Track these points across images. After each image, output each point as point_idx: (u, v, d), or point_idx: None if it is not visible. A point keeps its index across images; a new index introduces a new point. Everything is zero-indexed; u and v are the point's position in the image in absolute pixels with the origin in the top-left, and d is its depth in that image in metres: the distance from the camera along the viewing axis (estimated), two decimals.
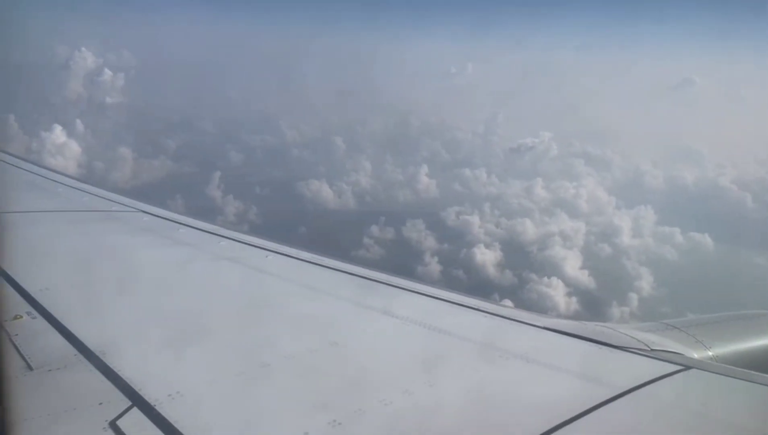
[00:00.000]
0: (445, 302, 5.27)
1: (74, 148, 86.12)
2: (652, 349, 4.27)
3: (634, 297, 62.24)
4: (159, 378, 3.68)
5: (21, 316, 4.48)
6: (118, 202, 8.23)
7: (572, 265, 67.24)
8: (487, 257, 67.27)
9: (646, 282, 65.37)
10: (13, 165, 10.36)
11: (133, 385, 3.52)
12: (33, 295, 4.88)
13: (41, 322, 4.42)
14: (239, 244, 6.72)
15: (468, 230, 74.44)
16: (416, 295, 5.44)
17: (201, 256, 6.52)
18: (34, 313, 4.55)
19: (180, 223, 7.43)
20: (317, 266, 6.08)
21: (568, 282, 63.47)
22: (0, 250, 5.91)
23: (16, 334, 4.18)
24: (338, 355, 4.16)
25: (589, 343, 4.38)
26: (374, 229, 72.86)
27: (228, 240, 6.86)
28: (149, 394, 3.41)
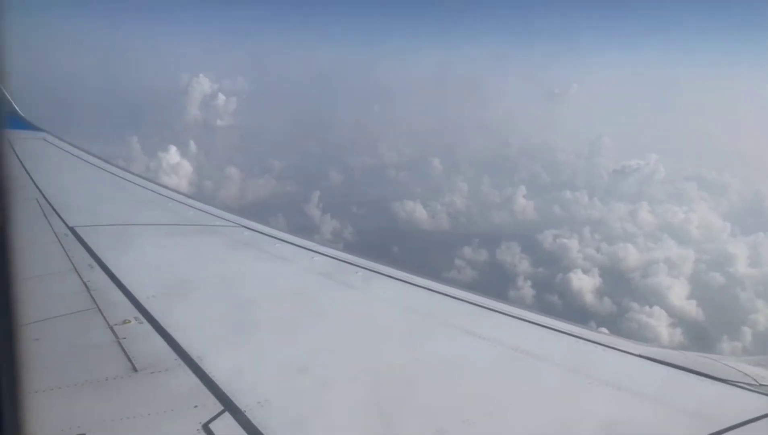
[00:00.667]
0: (537, 326, 5.12)
1: (187, 167, 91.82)
2: (760, 384, 3.92)
3: (747, 331, 57.30)
4: (250, 385, 3.81)
5: (130, 321, 4.79)
6: (222, 218, 8.67)
7: (678, 294, 62.99)
8: (584, 283, 64.48)
9: (762, 315, 60.07)
10: (131, 182, 11.19)
11: (225, 391, 3.66)
12: (141, 301, 5.22)
13: (147, 327, 4.71)
14: (331, 260, 6.87)
15: (565, 254, 71.77)
16: (507, 317, 5.31)
17: (294, 269, 6.73)
18: (141, 318, 4.87)
19: (277, 239, 7.70)
20: (406, 284, 6.11)
21: (672, 312, 59.47)
22: (114, 259, 6.42)
23: (124, 338, 4.48)
24: (426, 371, 4.13)
25: (688, 373, 4.09)
26: (467, 251, 72.01)
27: (321, 256, 7.02)
28: (240, 400, 3.54)
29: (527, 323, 5.15)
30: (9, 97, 15.82)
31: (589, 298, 62.72)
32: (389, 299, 5.85)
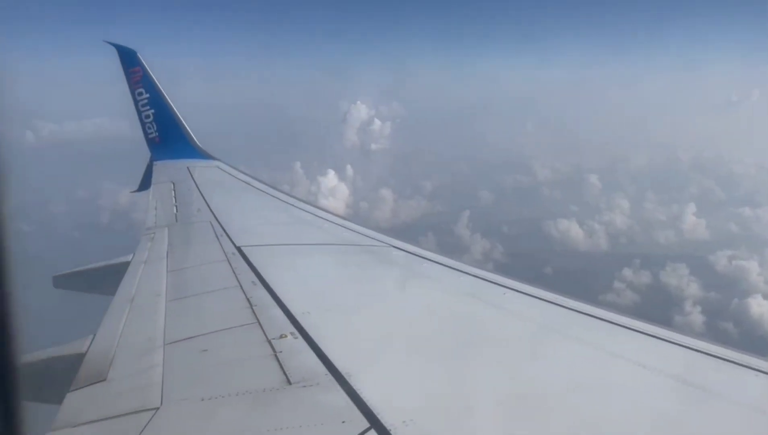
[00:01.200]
0: (705, 355, 4.57)
1: (344, 190, 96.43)
2: None
3: None
4: (396, 404, 3.81)
5: (286, 335, 5.05)
6: (373, 238, 8.89)
7: None
8: (765, 310, 57.13)
9: None
10: (293, 205, 11.93)
11: (372, 408, 3.69)
12: (297, 317, 5.48)
13: (301, 343, 4.92)
14: (479, 281, 6.73)
15: (743, 277, 64.25)
16: (671, 344, 4.81)
17: (441, 289, 6.69)
18: (297, 333, 5.10)
19: (424, 258, 7.72)
20: (557, 306, 5.79)
21: None
22: (274, 276, 6.83)
23: (281, 351, 4.72)
24: (583, 399, 3.86)
25: None
26: (627, 273, 67.15)
27: (469, 276, 6.91)
28: (386, 419, 3.55)
29: (697, 353, 4.61)
30: (189, 131, 17.77)
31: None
32: (540, 322, 5.58)
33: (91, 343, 5.47)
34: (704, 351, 4.62)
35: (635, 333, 5.05)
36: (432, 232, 75.63)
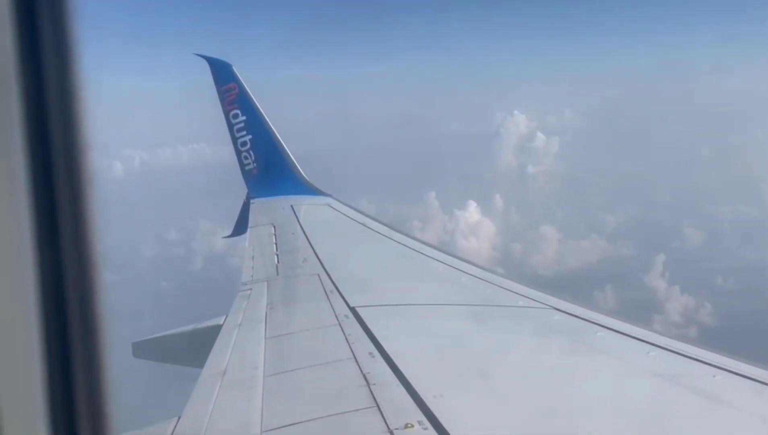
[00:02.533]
0: None
1: (489, 227, 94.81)
2: None
3: None
4: None
5: (412, 425, 5.12)
6: (526, 296, 8.78)
7: None
8: None
9: None
10: (421, 252, 12.09)
11: None
12: (426, 401, 5.54)
13: (431, 434, 4.97)
14: (677, 357, 6.43)
15: None
16: None
17: (622, 368, 6.48)
18: (426, 422, 5.16)
19: (599, 325, 7.50)
20: None
21: None
22: (397, 346, 6.96)
23: None
24: None
25: None
26: None
27: (661, 350, 6.62)
28: None
29: None
30: (293, 160, 18.60)
31: None
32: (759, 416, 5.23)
33: (175, 427, 5.84)
34: None
35: None
36: (612, 284, 72.26)
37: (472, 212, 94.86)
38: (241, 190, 18.65)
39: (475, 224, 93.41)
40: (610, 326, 7.47)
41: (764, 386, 5.57)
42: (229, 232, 18.25)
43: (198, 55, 19.00)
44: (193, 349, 8.80)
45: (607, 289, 70.69)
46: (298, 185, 18.20)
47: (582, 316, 7.90)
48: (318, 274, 10.36)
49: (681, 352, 6.52)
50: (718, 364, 6.07)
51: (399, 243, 12.78)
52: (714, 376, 5.84)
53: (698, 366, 6.11)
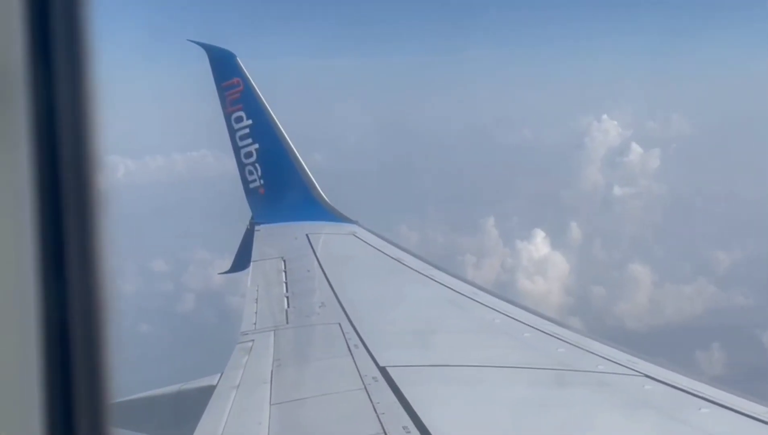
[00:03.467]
0: None
1: (560, 263, 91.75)
2: None
3: None
4: None
5: None
6: (609, 358, 8.50)
7: None
8: None
9: None
10: (469, 296, 11.81)
11: None
12: None
13: None
14: None
15: None
16: None
17: None
18: None
19: (702, 398, 7.25)
20: None
21: None
22: (440, 421, 6.69)
23: None
24: None
25: None
26: None
27: None
28: None
29: None
30: (310, 177, 18.39)
31: None
32: None
33: None
34: None
35: None
36: (721, 343, 70.68)
37: (540, 244, 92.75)
38: (245, 211, 18.43)
39: (544, 260, 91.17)
40: (718, 400, 7.27)
41: None
42: (228, 265, 18.12)
43: (194, 42, 18.77)
44: (178, 415, 8.60)
45: (714, 348, 69.46)
46: (317, 208, 17.99)
47: (681, 386, 7.68)
48: (339, 323, 10.17)
49: None
50: None
51: (443, 285, 12.53)
52: None
53: None
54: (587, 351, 8.88)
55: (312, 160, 18.85)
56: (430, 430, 6.49)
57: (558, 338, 9.42)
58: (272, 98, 18.76)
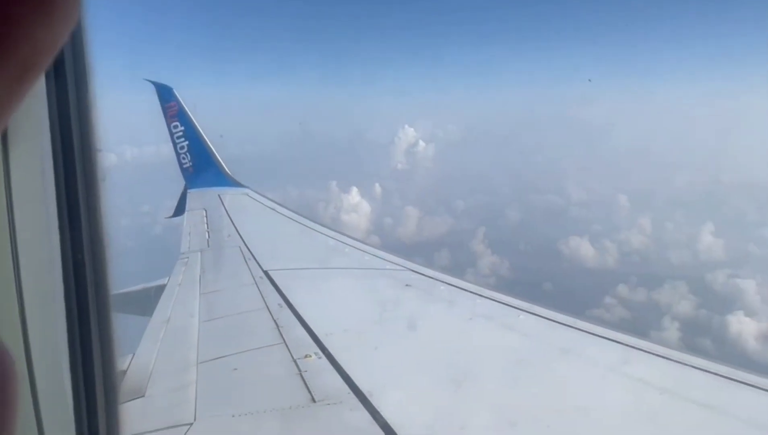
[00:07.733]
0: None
1: (365, 207, 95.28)
2: None
3: None
4: (416, 423, 3.78)
5: (311, 356, 5.03)
6: (392, 262, 8.83)
7: None
8: (747, 327, 53.82)
9: None
10: (318, 231, 11.88)
11: (392, 426, 3.67)
12: (320, 338, 5.47)
13: (325, 362, 4.91)
14: (493, 303, 6.59)
15: (738, 297, 61.24)
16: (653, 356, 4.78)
17: (454, 312, 6.64)
18: (320, 353, 5.09)
19: (439, 281, 7.67)
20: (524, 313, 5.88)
21: None
22: (299, 299, 6.84)
23: (306, 371, 4.71)
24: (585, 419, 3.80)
25: None
26: (622, 289, 64.56)
27: (483, 298, 6.79)
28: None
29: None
30: (220, 161, 17.91)
31: (753, 344, 52.33)
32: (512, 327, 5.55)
33: (130, 361, 5.51)
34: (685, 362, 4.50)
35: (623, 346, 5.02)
36: (448, 248, 74.23)
37: (354, 195, 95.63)
38: (181, 181, 17.87)
39: (356, 204, 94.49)
40: (446, 281, 7.63)
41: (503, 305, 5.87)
42: (171, 213, 17.46)
43: (146, 80, 18.13)
44: (143, 302, 8.33)
45: (444, 251, 72.81)
46: (224, 179, 17.59)
47: (428, 275, 8.02)
48: (239, 247, 10.01)
49: (497, 298, 6.66)
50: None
51: (301, 224, 12.56)
52: (520, 316, 6.01)
53: (508, 310, 6.27)
54: (380, 258, 9.17)
55: (223, 150, 18.39)
56: (294, 305, 6.58)
57: (363, 251, 9.73)
58: (200, 112, 18.35)
